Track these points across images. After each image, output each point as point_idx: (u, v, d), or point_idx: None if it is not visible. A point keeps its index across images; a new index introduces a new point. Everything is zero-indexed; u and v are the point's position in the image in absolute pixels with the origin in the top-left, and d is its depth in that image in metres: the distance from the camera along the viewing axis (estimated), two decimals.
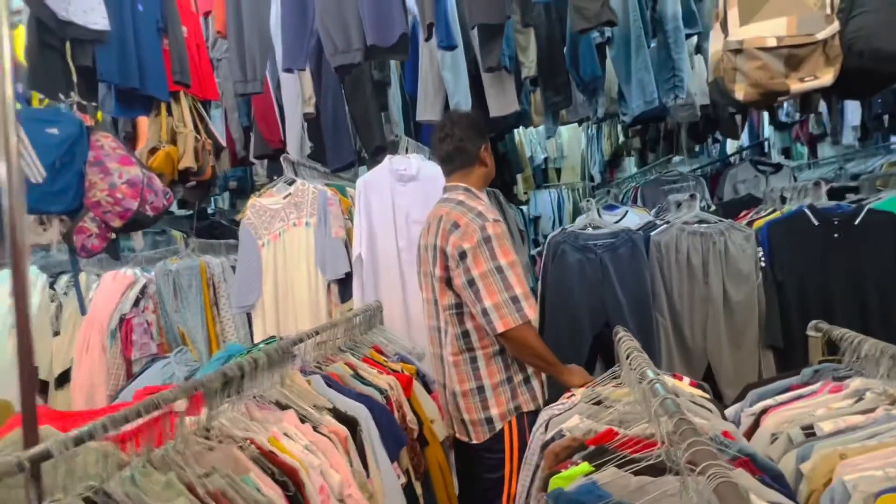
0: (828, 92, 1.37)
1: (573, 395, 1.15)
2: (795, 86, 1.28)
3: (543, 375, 1.39)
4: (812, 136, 3.52)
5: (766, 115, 3.69)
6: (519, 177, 4.90)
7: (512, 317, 1.24)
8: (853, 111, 3.19)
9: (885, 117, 2.99)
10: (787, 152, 4.17)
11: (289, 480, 0.84)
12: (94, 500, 0.67)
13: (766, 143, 4.23)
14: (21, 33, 2.55)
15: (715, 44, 1.43)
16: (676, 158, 3.95)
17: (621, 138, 4.85)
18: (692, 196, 1.94)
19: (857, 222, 1.58)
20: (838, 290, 1.58)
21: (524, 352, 1.31)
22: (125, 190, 1.82)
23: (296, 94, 2.30)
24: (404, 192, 2.00)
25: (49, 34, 1.84)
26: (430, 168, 2.03)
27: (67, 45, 1.86)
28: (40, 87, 1.85)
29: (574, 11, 1.59)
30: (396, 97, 2.62)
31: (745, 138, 4.17)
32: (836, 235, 1.59)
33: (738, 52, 1.31)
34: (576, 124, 4.42)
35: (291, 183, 2.10)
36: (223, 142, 2.73)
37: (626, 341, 1.14)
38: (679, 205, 2.08)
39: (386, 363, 1.47)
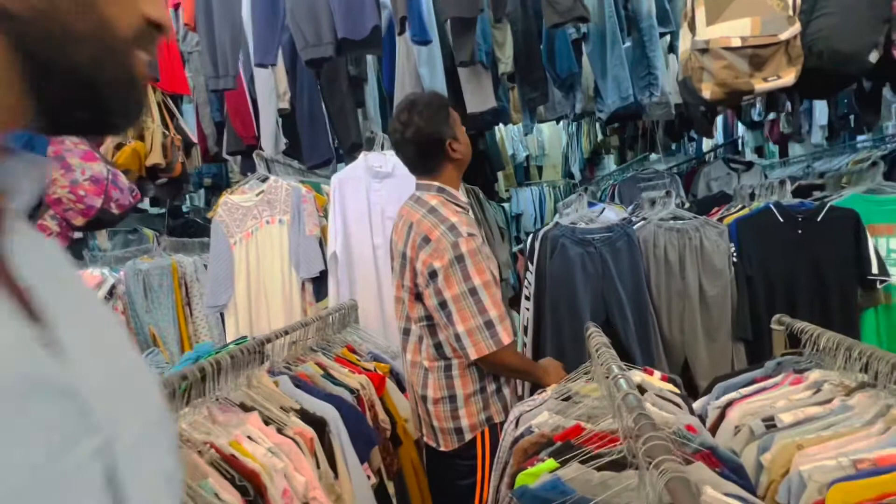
0: (791, 91, 1.40)
1: (544, 391, 1.15)
2: (760, 85, 1.31)
3: (514, 383, 1.37)
4: (783, 136, 3.61)
5: None
6: (500, 174, 4.92)
7: (486, 343, 1.19)
8: (821, 111, 3.29)
9: (851, 117, 3.09)
10: (759, 151, 4.28)
11: (248, 485, 0.82)
12: None
13: (739, 142, 4.34)
14: None
15: (683, 43, 1.45)
16: (653, 156, 4.01)
17: (600, 136, 4.90)
18: (668, 193, 1.96)
19: (819, 219, 1.62)
20: (801, 284, 1.63)
21: (501, 371, 1.29)
22: (88, 187, 1.75)
23: (270, 89, 2.26)
24: (380, 189, 1.97)
25: None
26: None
27: None
28: None
29: (547, 6, 1.59)
30: (374, 94, 2.59)
31: (719, 137, 4.27)
32: (799, 232, 1.63)
33: (704, 51, 1.32)
34: (556, 122, 4.46)
35: (264, 180, 2.06)
36: (194, 137, 2.66)
37: (595, 336, 1.14)
38: (653, 202, 2.10)
39: (358, 362, 1.45)
